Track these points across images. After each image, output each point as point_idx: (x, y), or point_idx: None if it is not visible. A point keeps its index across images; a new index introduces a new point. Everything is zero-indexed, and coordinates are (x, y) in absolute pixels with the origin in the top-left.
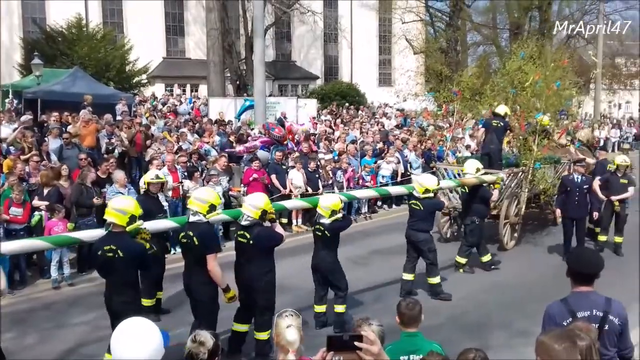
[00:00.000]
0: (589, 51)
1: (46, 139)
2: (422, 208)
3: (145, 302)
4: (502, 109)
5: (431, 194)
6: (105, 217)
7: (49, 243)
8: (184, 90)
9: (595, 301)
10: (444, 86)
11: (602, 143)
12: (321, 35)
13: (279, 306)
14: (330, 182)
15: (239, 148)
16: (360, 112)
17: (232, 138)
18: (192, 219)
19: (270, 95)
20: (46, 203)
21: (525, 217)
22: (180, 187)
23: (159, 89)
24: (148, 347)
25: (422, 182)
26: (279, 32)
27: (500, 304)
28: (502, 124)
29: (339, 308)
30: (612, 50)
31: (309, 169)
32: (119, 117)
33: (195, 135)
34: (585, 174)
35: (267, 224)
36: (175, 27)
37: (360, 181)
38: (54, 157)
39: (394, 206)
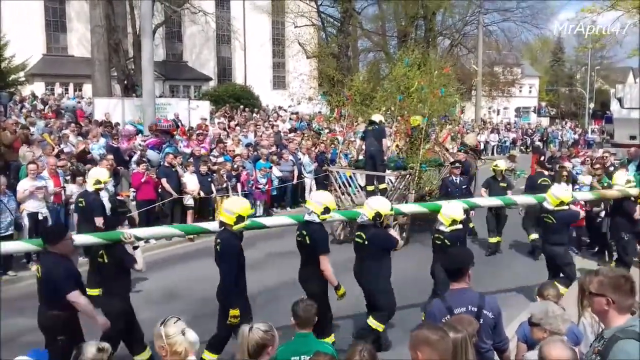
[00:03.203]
0: (471, 60)
1: None
2: (554, 221)
3: None
4: (377, 117)
5: (565, 206)
6: (219, 216)
7: (179, 231)
8: (66, 89)
9: (470, 297)
10: (336, 90)
11: (482, 147)
12: (214, 36)
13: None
14: (224, 185)
15: (123, 145)
16: (255, 114)
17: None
18: (306, 217)
19: (160, 96)
20: None
21: (413, 218)
22: (63, 192)
23: (38, 88)
24: None
25: (556, 193)
26: (170, 31)
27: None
28: (377, 127)
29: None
30: (491, 59)
31: (201, 173)
32: None
33: (79, 137)
34: (463, 176)
35: None
36: (56, 23)
37: (255, 184)
38: None
39: (288, 209)
